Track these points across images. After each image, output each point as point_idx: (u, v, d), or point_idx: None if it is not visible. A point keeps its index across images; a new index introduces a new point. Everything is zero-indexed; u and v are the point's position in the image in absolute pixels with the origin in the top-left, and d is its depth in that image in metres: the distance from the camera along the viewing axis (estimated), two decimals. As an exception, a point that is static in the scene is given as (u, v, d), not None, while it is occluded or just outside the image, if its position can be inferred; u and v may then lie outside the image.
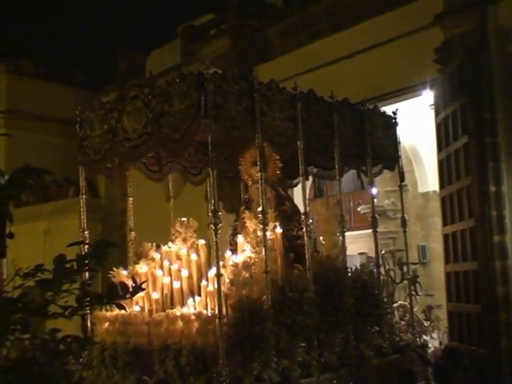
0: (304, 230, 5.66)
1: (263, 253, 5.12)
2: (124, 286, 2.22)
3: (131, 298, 2.26)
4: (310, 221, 6.88)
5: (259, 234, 5.28)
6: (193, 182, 7.47)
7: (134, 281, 2.33)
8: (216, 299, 4.79)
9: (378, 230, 7.08)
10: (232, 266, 5.12)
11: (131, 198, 6.95)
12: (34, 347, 2.12)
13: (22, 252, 10.79)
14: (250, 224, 5.55)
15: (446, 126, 8.43)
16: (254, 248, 5.34)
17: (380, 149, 7.12)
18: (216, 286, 4.85)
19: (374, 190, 7.51)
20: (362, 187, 7.40)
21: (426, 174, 11.49)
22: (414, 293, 7.17)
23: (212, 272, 5.17)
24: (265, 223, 5.15)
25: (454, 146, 8.22)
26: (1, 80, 14.49)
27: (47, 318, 2.15)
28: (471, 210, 7.79)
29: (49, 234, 12.89)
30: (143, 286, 5.90)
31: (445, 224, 8.51)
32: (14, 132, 11.61)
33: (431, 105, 9.02)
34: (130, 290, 2.24)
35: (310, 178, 8.23)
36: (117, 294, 2.20)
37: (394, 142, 7.51)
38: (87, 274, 2.29)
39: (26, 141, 13.09)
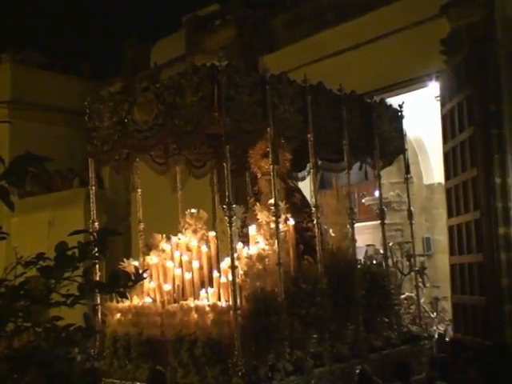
0: (315, 222, 5.68)
1: (276, 245, 5.15)
2: (126, 274, 2.23)
3: (133, 286, 2.24)
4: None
5: (272, 226, 5.31)
6: (195, 175, 7.44)
7: (137, 270, 2.34)
8: (231, 291, 4.83)
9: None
10: (246, 257, 5.15)
11: (139, 190, 6.96)
12: (36, 335, 2.13)
13: (27, 242, 10.84)
14: (262, 216, 5.57)
15: (452, 118, 8.43)
16: (267, 240, 5.37)
17: (386, 141, 7.14)
18: (230, 278, 4.88)
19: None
20: (366, 177, 7.42)
21: (431, 166, 11.49)
22: (421, 284, 7.19)
23: (225, 263, 5.20)
24: (277, 216, 5.17)
25: (460, 138, 8.22)
26: (5, 70, 14.43)
27: (49, 307, 2.16)
28: (476, 201, 7.80)
29: (53, 225, 12.88)
30: (154, 277, 5.90)
31: (450, 216, 8.53)
32: (18, 122, 11.57)
33: (437, 96, 9.01)
34: (133, 279, 2.22)
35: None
36: (119, 283, 2.20)
37: (401, 135, 7.53)
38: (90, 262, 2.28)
39: (30, 131, 13.07)
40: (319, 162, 7.45)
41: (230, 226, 4.87)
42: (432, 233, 11.16)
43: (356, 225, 9.07)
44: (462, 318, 8.15)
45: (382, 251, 7.35)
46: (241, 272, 5.06)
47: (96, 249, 2.20)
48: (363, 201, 11.13)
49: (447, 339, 8.12)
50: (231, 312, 4.79)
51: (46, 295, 2.12)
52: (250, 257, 5.11)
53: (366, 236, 10.29)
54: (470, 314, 7.94)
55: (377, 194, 7.63)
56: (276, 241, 5.14)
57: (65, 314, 2.21)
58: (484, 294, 7.64)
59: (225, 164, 4.93)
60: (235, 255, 4.95)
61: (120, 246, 10.99)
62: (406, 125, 7.88)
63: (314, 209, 5.80)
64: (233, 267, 4.83)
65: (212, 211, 7.39)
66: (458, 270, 8.29)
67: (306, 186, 7.35)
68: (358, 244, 7.62)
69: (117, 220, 12.62)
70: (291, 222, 5.79)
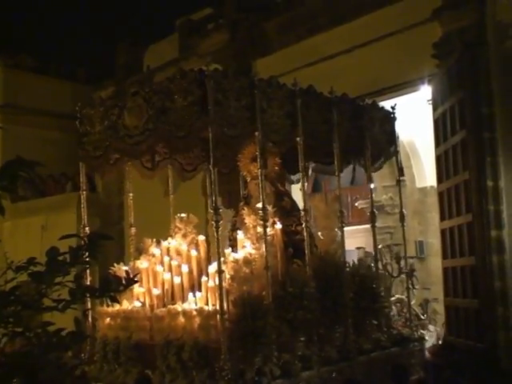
0: (304, 225, 5.69)
1: (263, 249, 5.16)
2: (117, 279, 2.24)
3: (124, 291, 2.25)
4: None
5: (259, 230, 5.32)
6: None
7: (128, 275, 2.35)
8: (217, 295, 4.83)
9: (376, 224, 7.12)
10: (233, 262, 5.16)
11: (131, 194, 6.95)
12: (27, 341, 2.13)
13: (20, 247, 10.83)
14: (249, 220, 5.58)
15: (444, 121, 8.45)
16: (254, 244, 5.38)
17: (378, 143, 7.16)
18: (217, 282, 4.89)
19: (372, 185, 7.55)
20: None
21: (424, 169, 11.50)
22: (411, 286, 7.21)
23: (213, 268, 5.20)
24: (265, 219, 5.18)
25: (452, 141, 8.24)
26: (-3, 74, 14.45)
27: (40, 312, 2.16)
28: (469, 204, 7.81)
29: (46, 229, 12.87)
30: (143, 281, 5.91)
31: (442, 219, 8.54)
32: (10, 126, 11.57)
33: (429, 100, 9.03)
34: (123, 283, 2.24)
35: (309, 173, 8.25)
36: (110, 288, 2.21)
37: (393, 137, 7.55)
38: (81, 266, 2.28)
39: (22, 135, 13.07)
40: (312, 165, 7.48)
41: (217, 230, 4.88)
42: (425, 236, 11.17)
43: (349, 228, 9.16)
44: (454, 321, 8.16)
45: (372, 254, 7.36)
46: (227, 276, 5.06)
47: (87, 253, 2.19)
48: (356, 204, 11.14)
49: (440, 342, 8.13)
50: (218, 316, 4.79)
51: (37, 300, 2.13)
52: (236, 261, 5.12)
53: (358, 239, 10.30)
54: (462, 317, 7.95)
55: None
56: (263, 245, 5.15)
57: (57, 319, 2.21)
58: (476, 296, 7.64)
59: (211, 168, 4.94)
60: (222, 259, 4.96)
61: (113, 250, 10.99)
62: (399, 128, 7.90)
63: (302, 212, 5.80)
64: (219, 271, 4.84)
65: (205, 215, 7.40)
66: (450, 273, 8.30)
67: (297, 189, 7.36)
68: (349, 247, 7.67)
69: (110, 224, 12.62)
70: (278, 225, 5.80)
